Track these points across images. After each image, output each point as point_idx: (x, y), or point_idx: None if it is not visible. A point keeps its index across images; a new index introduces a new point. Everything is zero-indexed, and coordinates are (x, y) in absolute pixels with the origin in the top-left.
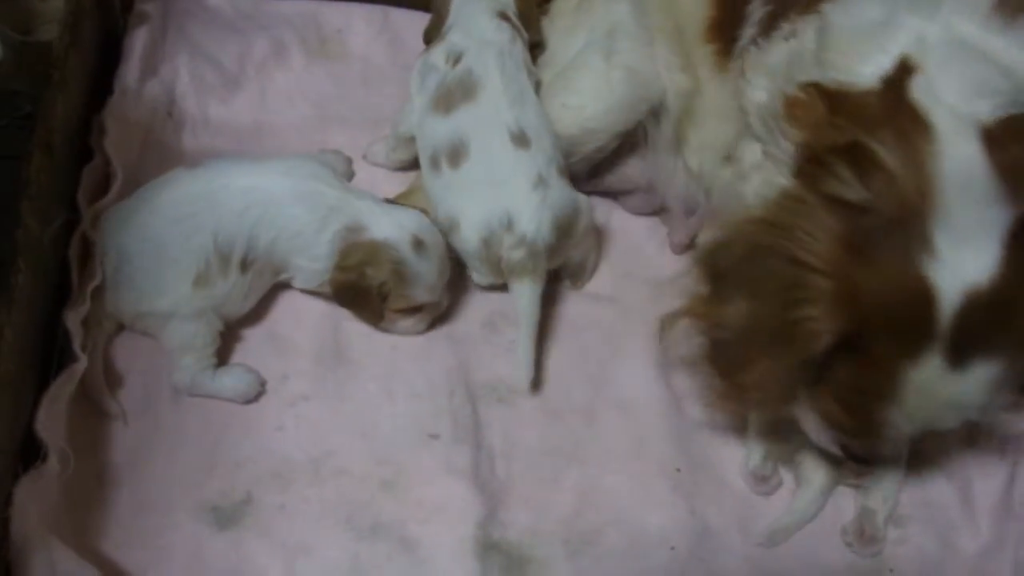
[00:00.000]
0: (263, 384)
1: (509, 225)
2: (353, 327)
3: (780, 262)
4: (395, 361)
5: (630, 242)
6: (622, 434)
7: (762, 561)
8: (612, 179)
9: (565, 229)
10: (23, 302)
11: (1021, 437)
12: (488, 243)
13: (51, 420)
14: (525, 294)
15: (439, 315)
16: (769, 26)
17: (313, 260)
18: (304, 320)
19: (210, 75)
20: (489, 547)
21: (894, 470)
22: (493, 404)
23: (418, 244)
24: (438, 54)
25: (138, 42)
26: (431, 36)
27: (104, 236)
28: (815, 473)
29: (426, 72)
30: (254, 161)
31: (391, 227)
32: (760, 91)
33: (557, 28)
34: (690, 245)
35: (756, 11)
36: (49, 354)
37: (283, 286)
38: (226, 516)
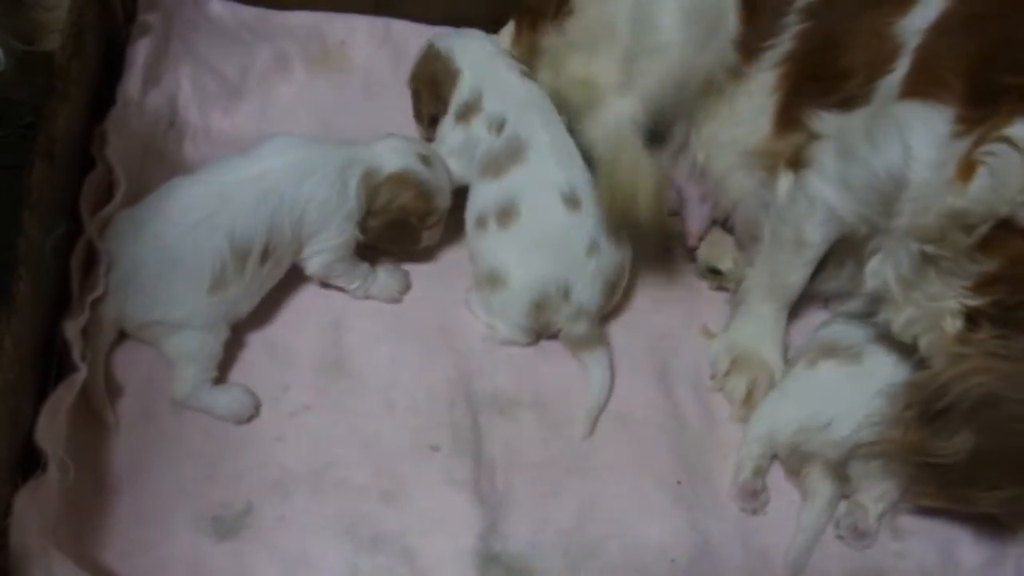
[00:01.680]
0: (257, 407)
1: (566, 294)
2: (355, 338)
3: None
4: (396, 372)
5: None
6: (623, 447)
7: (761, 572)
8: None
9: (613, 287)
10: (23, 311)
11: None
12: (540, 306)
13: (51, 430)
14: (601, 363)
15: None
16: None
17: (345, 223)
18: (305, 330)
19: (212, 86)
20: (489, 559)
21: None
22: (494, 416)
23: (424, 159)
24: (478, 126)
25: (141, 52)
26: (431, 110)
27: (112, 244)
28: (822, 484)
29: (468, 145)
30: (246, 154)
31: (398, 156)
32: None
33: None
34: (703, 235)
35: (791, 26)
36: (48, 364)
37: (285, 294)
38: (226, 526)
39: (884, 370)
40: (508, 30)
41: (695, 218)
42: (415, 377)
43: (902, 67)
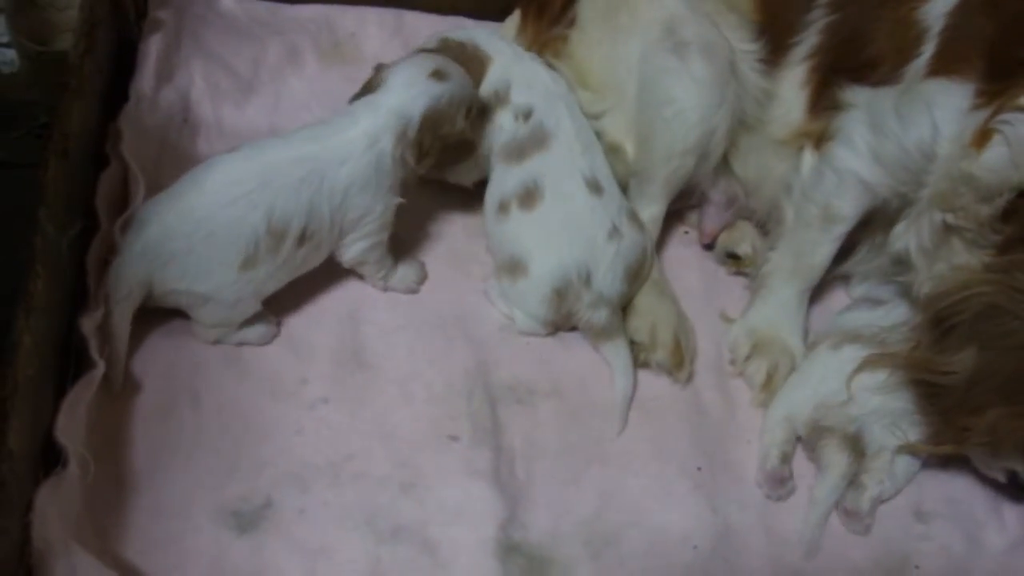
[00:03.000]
0: (278, 323)
1: (587, 280)
2: (372, 330)
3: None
4: (414, 363)
5: None
6: (642, 434)
7: (786, 559)
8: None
9: (634, 274)
10: (41, 308)
11: None
12: (562, 294)
13: (71, 426)
14: (621, 354)
15: None
16: None
17: (389, 197)
18: (323, 323)
19: (225, 81)
20: (510, 549)
21: (906, 468)
22: (512, 405)
23: (438, 74)
24: (504, 116)
25: (153, 49)
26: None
27: (143, 216)
28: (837, 456)
29: (492, 131)
30: (288, 136)
31: (418, 96)
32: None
33: (592, 39)
34: (716, 235)
35: (817, 19)
36: (66, 360)
37: (302, 287)
38: (246, 520)
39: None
40: (513, 20)
41: (713, 219)
42: (433, 368)
43: (928, 50)
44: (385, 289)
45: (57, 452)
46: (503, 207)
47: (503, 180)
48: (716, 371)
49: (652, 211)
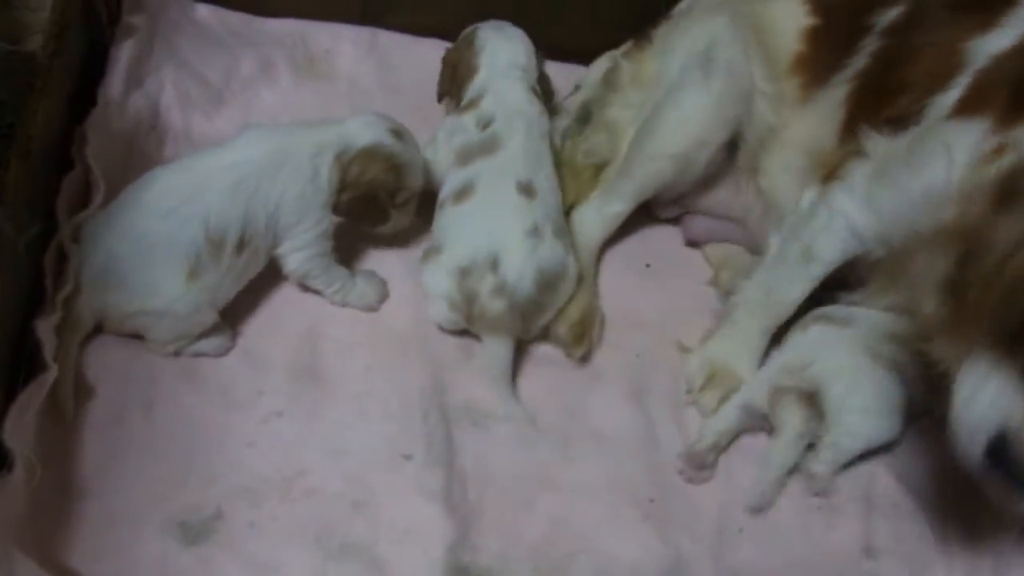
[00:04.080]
0: (233, 337)
1: (494, 265)
2: (329, 346)
3: None
4: (370, 380)
5: (606, 274)
6: (596, 463)
7: None
8: (702, 201)
9: (548, 286)
10: None
11: None
12: (466, 273)
13: (19, 429)
14: (498, 351)
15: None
16: None
17: (321, 212)
18: (280, 337)
19: (195, 90)
20: (459, 571)
21: (872, 431)
22: (467, 427)
23: (396, 133)
24: (469, 119)
25: (124, 54)
26: (446, 91)
27: (88, 240)
28: (792, 416)
29: (455, 132)
30: (222, 144)
31: (369, 131)
32: None
33: (657, 49)
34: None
35: (869, 46)
36: (18, 363)
37: (262, 300)
38: (194, 532)
39: (874, 337)
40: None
41: (698, 225)
42: (389, 386)
43: (959, 87)
44: (343, 305)
45: (3, 455)
46: (441, 204)
47: (448, 183)
48: (671, 404)
49: (617, 208)
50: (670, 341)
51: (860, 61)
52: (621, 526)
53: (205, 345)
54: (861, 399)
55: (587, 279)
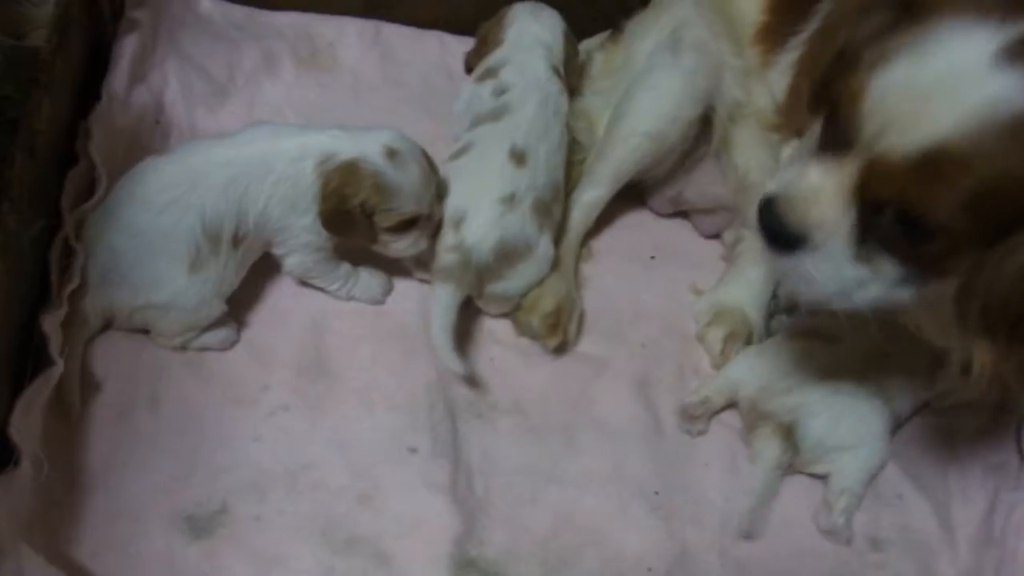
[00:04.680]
0: (237, 329)
1: (457, 224)
2: (335, 339)
3: None
4: (376, 373)
5: (611, 265)
6: (601, 455)
7: None
8: (693, 196)
9: (507, 258)
10: (0, 304)
11: (1000, 465)
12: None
13: (25, 424)
14: (441, 298)
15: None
16: None
17: (306, 217)
18: (286, 331)
19: (199, 84)
20: (465, 564)
21: (854, 471)
22: (472, 420)
23: (391, 153)
24: (486, 88)
25: (127, 49)
26: (473, 63)
27: (91, 236)
28: (768, 445)
29: (472, 100)
30: (219, 137)
31: (359, 145)
32: None
33: (626, 37)
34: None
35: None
36: (25, 358)
37: (266, 294)
38: (200, 526)
39: (859, 353)
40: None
41: (707, 224)
42: (395, 379)
43: None
44: (348, 298)
45: (10, 451)
46: (446, 165)
47: (456, 144)
48: (676, 395)
49: (594, 194)
50: (675, 333)
51: (814, 24)
52: (627, 518)
53: (210, 338)
54: (845, 433)
55: (566, 270)
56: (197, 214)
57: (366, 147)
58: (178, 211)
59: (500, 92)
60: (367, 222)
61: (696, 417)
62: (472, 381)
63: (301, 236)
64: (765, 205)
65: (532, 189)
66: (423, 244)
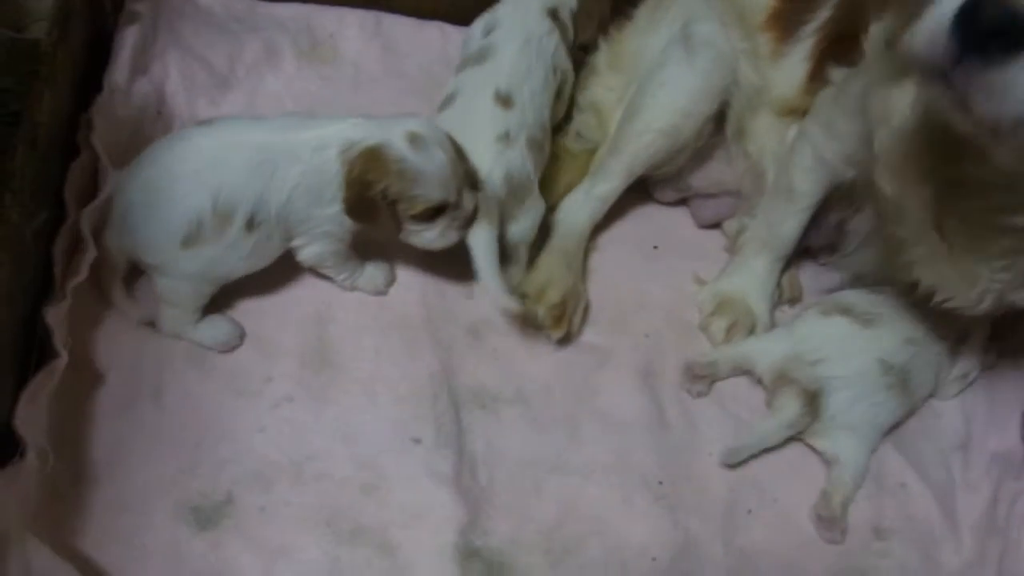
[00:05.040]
0: (242, 337)
1: None
2: (338, 330)
3: None
4: (379, 364)
5: (614, 255)
6: (605, 445)
7: (743, 571)
8: (698, 181)
9: (515, 193)
10: (4, 297)
11: (1004, 454)
12: None
13: (30, 416)
14: (479, 238)
15: (466, 224)
16: None
17: (329, 208)
18: (289, 322)
19: (200, 75)
20: (470, 554)
21: (855, 456)
22: (476, 411)
23: (414, 138)
24: (479, 24)
25: (128, 40)
26: None
27: (120, 178)
28: (791, 403)
29: (467, 40)
30: (259, 120)
31: (381, 131)
32: None
33: (638, 28)
34: (717, 224)
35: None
36: (29, 350)
37: (270, 285)
38: (205, 516)
39: (891, 342)
40: None
41: (706, 209)
42: (398, 370)
43: None
44: (352, 289)
45: (15, 442)
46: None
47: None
48: (679, 385)
49: (607, 187)
50: (679, 323)
51: (824, 13)
52: (631, 508)
53: (206, 335)
54: (857, 416)
55: (573, 262)
56: (211, 191)
57: (389, 133)
58: (194, 183)
59: (489, 30)
60: (391, 209)
61: (699, 377)
62: (476, 371)
63: (323, 225)
64: (967, 12)
65: (524, 127)
66: (453, 236)
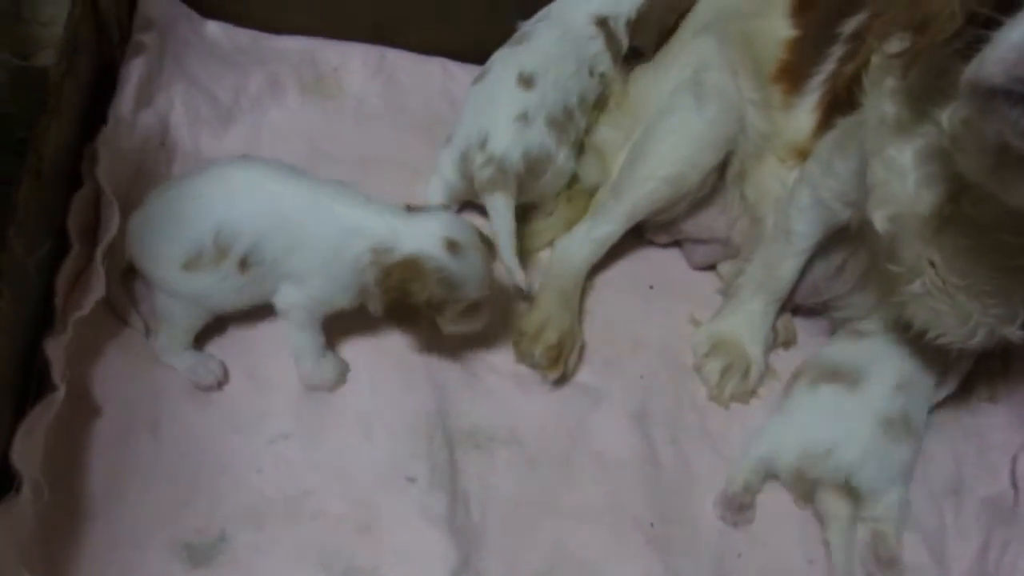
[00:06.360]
0: (220, 384)
1: (483, 144)
2: None
3: None
4: (375, 402)
5: (609, 295)
6: (598, 487)
7: None
8: (690, 227)
9: (534, 170)
10: (4, 328)
11: (995, 499)
12: (465, 158)
13: (26, 450)
14: (498, 206)
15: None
16: None
17: (333, 278)
18: (285, 358)
19: (205, 107)
20: None
21: (897, 490)
22: (470, 450)
23: (452, 245)
24: (533, 18)
25: (134, 72)
26: None
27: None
28: (838, 504)
29: (527, 22)
30: (289, 169)
31: (418, 237)
32: None
33: (648, 68)
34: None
35: (836, 52)
36: (27, 383)
37: (265, 322)
38: (200, 554)
39: (882, 395)
40: None
41: (699, 254)
42: (394, 408)
43: None
44: (297, 366)
45: (11, 476)
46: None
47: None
48: (674, 426)
49: (606, 230)
50: (674, 364)
51: (829, 66)
52: (623, 550)
53: (189, 367)
54: (887, 477)
55: (571, 303)
56: (216, 221)
57: (424, 240)
58: (201, 209)
59: (540, 19)
60: (431, 314)
61: (744, 506)
62: (471, 411)
63: (314, 291)
64: None
65: (543, 107)
66: (483, 321)
